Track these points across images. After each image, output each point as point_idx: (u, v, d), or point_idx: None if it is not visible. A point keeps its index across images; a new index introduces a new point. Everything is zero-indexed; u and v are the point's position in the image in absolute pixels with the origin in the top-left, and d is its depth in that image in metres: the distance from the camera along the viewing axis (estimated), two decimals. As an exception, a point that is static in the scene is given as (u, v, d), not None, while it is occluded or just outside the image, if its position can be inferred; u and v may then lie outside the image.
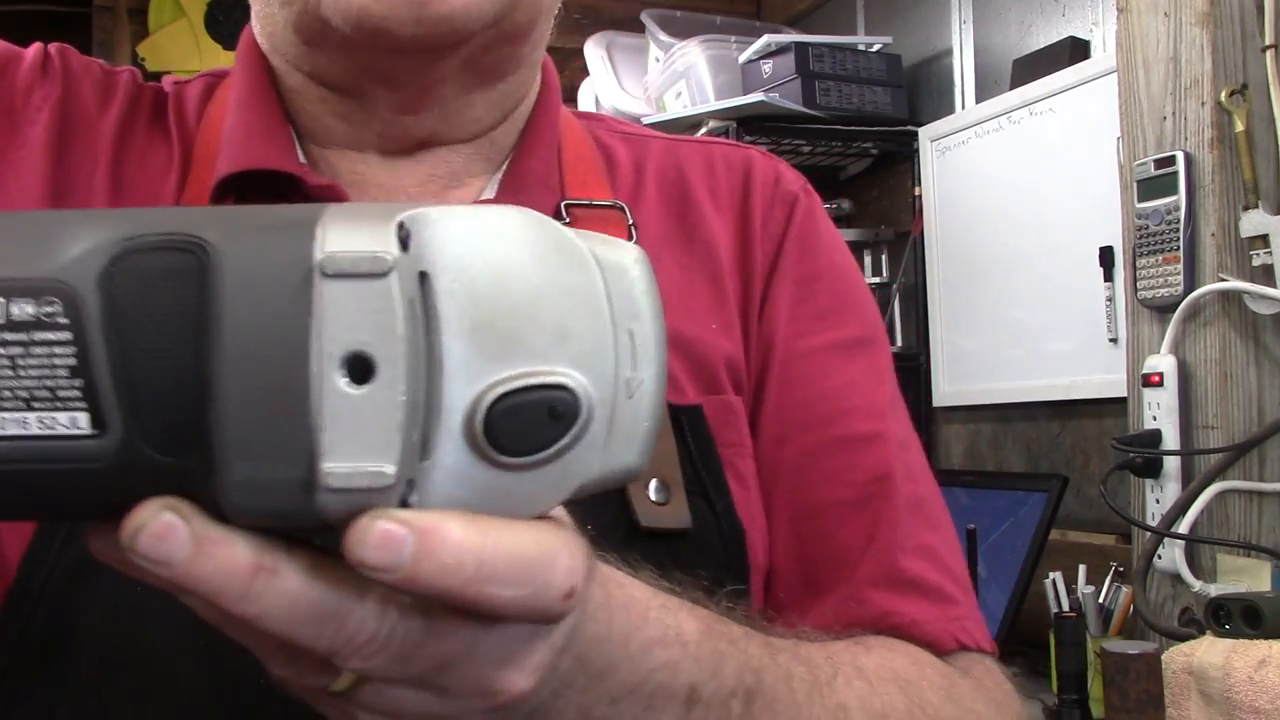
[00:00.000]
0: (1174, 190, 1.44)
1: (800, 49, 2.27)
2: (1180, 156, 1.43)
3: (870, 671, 0.56)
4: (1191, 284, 1.43)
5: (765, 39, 2.32)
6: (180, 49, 2.62)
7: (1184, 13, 1.44)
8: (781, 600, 0.65)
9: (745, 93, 2.29)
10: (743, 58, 2.36)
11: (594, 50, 2.61)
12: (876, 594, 0.63)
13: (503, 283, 0.33)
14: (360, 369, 0.31)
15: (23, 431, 0.32)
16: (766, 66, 2.31)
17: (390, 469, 0.31)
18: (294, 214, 0.33)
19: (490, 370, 0.33)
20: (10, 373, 0.32)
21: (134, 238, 0.32)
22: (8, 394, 0.32)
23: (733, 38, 2.42)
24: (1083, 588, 1.61)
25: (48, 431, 0.32)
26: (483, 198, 0.66)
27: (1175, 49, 1.45)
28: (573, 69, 2.67)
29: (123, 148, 0.65)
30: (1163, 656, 1.20)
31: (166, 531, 0.31)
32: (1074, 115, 1.93)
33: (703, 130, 2.25)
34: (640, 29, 2.55)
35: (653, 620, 0.44)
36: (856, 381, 0.68)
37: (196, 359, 0.31)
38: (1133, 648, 1.18)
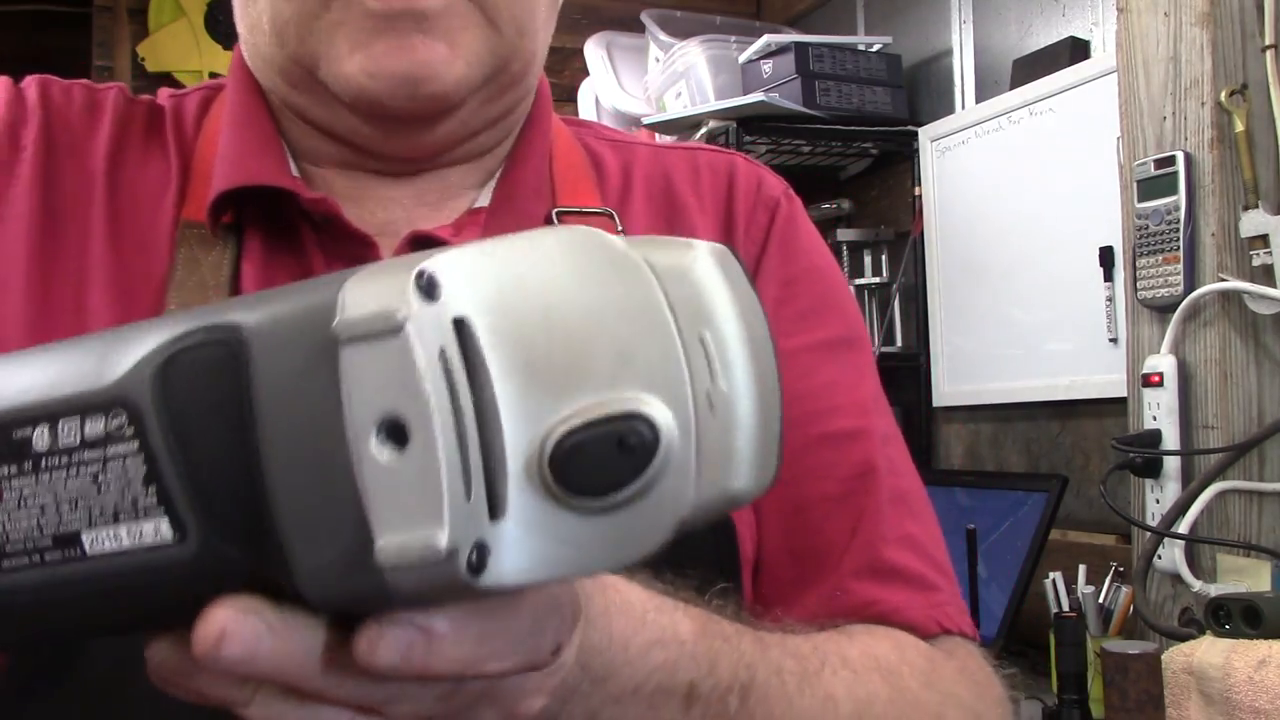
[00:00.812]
0: (1174, 190, 1.44)
1: (800, 49, 2.26)
2: (1180, 156, 1.43)
3: (854, 661, 0.58)
4: (1191, 284, 1.43)
5: (765, 39, 2.32)
6: (180, 49, 2.62)
7: (1184, 13, 1.43)
8: (771, 593, 0.66)
9: (745, 93, 2.29)
10: (743, 58, 2.36)
11: (594, 50, 2.60)
12: (860, 584, 0.65)
13: (550, 312, 0.31)
14: (398, 434, 0.29)
15: (116, 547, 0.32)
16: (766, 66, 2.31)
17: (442, 536, 0.29)
18: (320, 284, 0.31)
19: (549, 409, 0.30)
20: (95, 489, 0.32)
21: (178, 338, 0.32)
22: (97, 510, 0.32)
23: (733, 38, 2.42)
24: (1083, 588, 1.61)
25: (137, 543, 0.32)
26: (475, 206, 0.67)
27: (1175, 49, 1.45)
28: (573, 69, 2.67)
29: (117, 165, 0.65)
30: (1163, 656, 1.20)
31: (251, 638, 0.31)
32: (1074, 115, 1.93)
33: (703, 130, 2.25)
34: (640, 29, 2.55)
35: (650, 622, 0.45)
36: (839, 380, 0.70)
37: (246, 450, 0.31)
38: (1133, 648, 1.18)
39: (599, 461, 0.30)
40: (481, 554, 0.30)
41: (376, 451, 0.29)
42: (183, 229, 0.63)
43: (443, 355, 0.30)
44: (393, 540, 0.29)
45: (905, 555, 0.67)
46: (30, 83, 0.67)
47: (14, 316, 0.60)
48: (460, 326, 0.30)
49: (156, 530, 0.32)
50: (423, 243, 0.62)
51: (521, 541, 0.30)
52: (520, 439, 0.30)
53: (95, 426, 0.32)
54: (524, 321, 0.30)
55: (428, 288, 0.30)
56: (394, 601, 0.31)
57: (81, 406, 0.32)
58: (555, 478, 0.30)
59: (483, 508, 0.30)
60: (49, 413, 0.32)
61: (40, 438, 0.32)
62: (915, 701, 0.59)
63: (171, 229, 0.64)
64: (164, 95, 0.70)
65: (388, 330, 0.29)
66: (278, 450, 0.30)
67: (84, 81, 0.69)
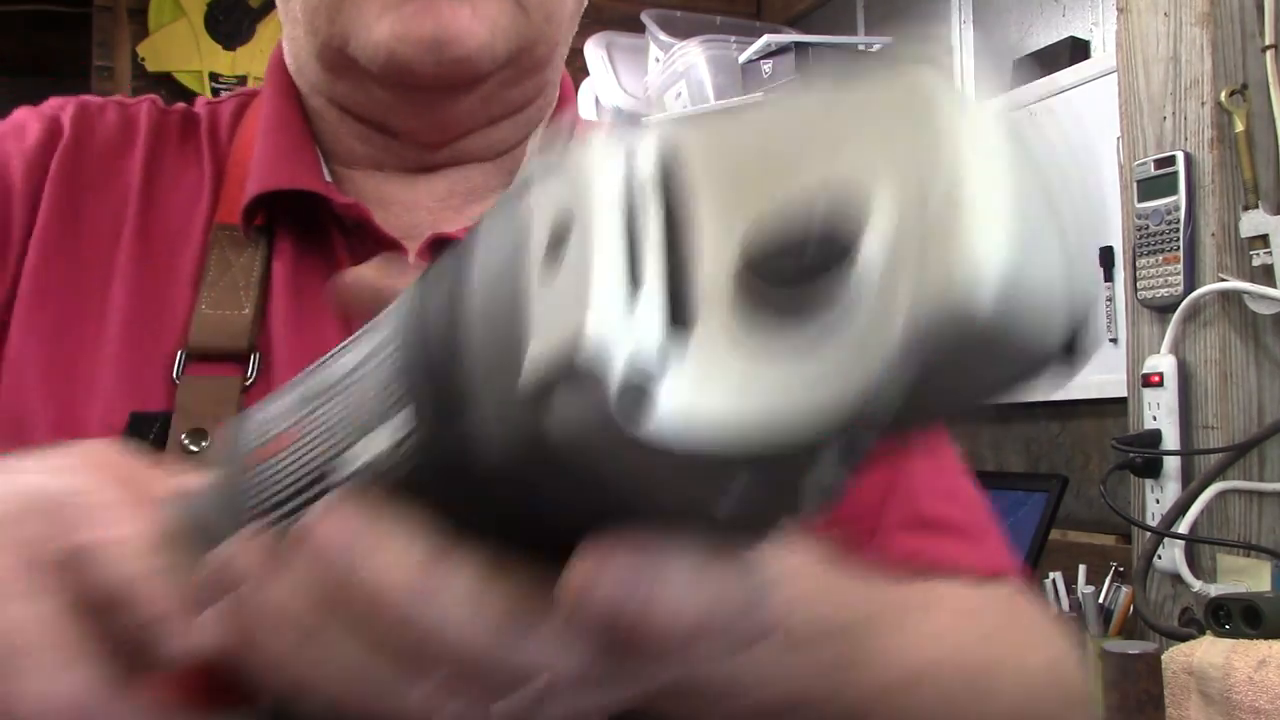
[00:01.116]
0: (1174, 190, 1.44)
1: (800, 49, 2.26)
2: (1180, 156, 1.43)
3: (937, 601, 0.56)
4: (1191, 284, 1.43)
5: (765, 39, 2.32)
6: (180, 49, 2.62)
7: (1184, 13, 1.43)
8: None
9: (745, 93, 2.29)
10: (743, 58, 2.36)
11: (594, 50, 2.60)
12: (904, 538, 0.65)
13: (756, 128, 0.27)
14: (560, 245, 0.26)
15: (368, 459, 0.31)
16: (766, 66, 2.31)
17: (590, 326, 0.24)
18: None
19: (739, 213, 0.26)
20: (356, 406, 0.32)
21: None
22: (357, 424, 0.31)
23: (733, 38, 2.42)
24: (1083, 588, 1.61)
25: (385, 444, 0.30)
26: None
27: (1175, 49, 1.45)
28: (573, 69, 2.67)
29: (152, 176, 0.68)
30: (1163, 656, 1.20)
31: (339, 528, 0.30)
32: (1074, 115, 1.93)
33: (703, 130, 2.25)
34: (640, 29, 2.55)
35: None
36: None
37: (456, 324, 0.29)
38: (1133, 648, 1.18)
39: (793, 249, 0.25)
40: (642, 374, 0.24)
41: (545, 270, 0.26)
42: (215, 231, 0.66)
43: (624, 160, 0.27)
44: (535, 348, 0.25)
45: (946, 507, 0.66)
46: (65, 106, 0.70)
47: (37, 324, 0.63)
48: (653, 146, 0.27)
49: (397, 428, 0.30)
50: (443, 245, 0.64)
51: (699, 369, 0.25)
52: (708, 246, 0.26)
53: (361, 350, 0.32)
54: (729, 141, 0.27)
55: (622, 133, 0.28)
56: (550, 455, 0.25)
57: (352, 342, 0.33)
58: (749, 279, 0.25)
59: (661, 318, 0.25)
60: (330, 358, 0.34)
61: (323, 377, 0.33)
62: (1001, 640, 0.58)
63: (204, 231, 0.66)
64: (201, 103, 0.73)
65: (566, 159, 0.28)
66: (472, 309, 0.28)
67: (118, 99, 0.72)
